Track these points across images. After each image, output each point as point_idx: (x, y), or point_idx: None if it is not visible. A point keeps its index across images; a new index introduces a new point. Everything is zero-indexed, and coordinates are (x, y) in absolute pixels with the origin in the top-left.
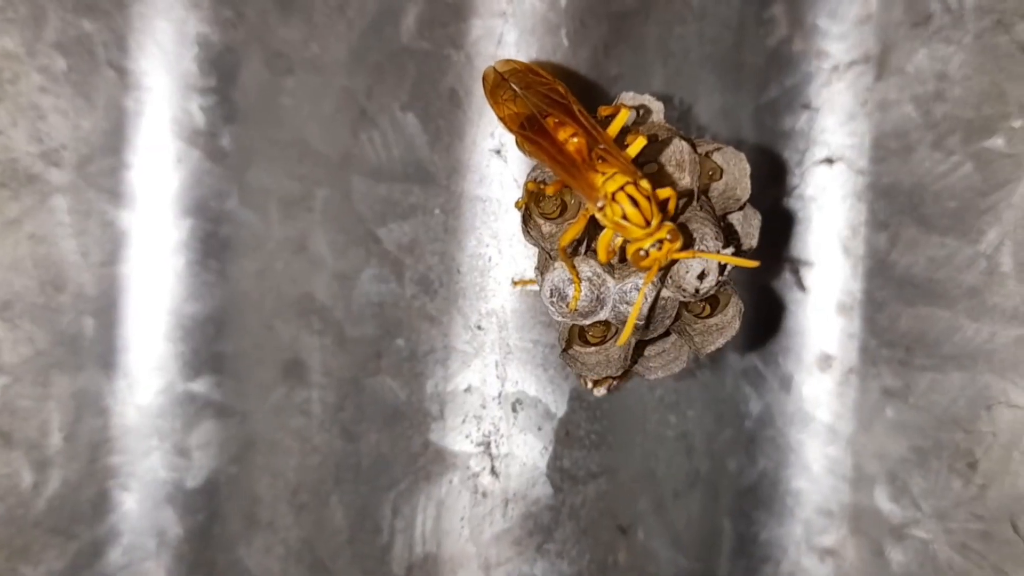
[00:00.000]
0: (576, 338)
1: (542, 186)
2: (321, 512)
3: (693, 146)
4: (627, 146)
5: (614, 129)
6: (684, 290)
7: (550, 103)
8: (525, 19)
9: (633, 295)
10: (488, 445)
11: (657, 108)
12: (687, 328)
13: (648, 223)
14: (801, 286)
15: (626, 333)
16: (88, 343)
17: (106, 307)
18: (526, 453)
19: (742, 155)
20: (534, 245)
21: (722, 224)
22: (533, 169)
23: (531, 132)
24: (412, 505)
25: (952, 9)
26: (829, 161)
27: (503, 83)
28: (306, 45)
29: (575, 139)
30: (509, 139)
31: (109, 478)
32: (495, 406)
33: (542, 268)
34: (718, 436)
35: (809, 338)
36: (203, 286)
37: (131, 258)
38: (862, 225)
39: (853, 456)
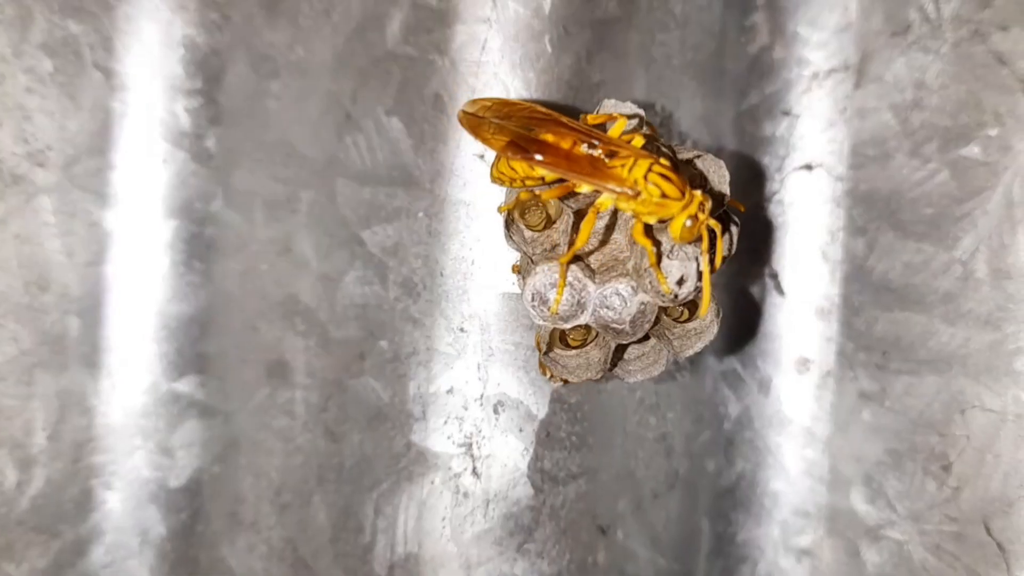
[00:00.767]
0: (557, 341)
1: (537, 193)
2: (304, 512)
3: (674, 153)
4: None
5: (614, 135)
6: (663, 295)
7: (537, 123)
8: (509, 25)
9: (613, 300)
10: (470, 446)
11: (637, 114)
12: (666, 332)
13: (684, 194)
14: (780, 290)
15: (705, 302)
16: (72, 343)
17: (91, 307)
18: (507, 454)
19: (722, 162)
20: (516, 249)
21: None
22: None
23: (535, 152)
24: (394, 505)
25: (930, 19)
26: (808, 167)
27: (481, 120)
28: (292, 48)
29: (579, 146)
30: None
31: (93, 477)
32: (477, 407)
33: (524, 272)
34: (697, 438)
35: (787, 342)
36: (188, 287)
37: (116, 258)
38: (840, 231)
39: (830, 458)
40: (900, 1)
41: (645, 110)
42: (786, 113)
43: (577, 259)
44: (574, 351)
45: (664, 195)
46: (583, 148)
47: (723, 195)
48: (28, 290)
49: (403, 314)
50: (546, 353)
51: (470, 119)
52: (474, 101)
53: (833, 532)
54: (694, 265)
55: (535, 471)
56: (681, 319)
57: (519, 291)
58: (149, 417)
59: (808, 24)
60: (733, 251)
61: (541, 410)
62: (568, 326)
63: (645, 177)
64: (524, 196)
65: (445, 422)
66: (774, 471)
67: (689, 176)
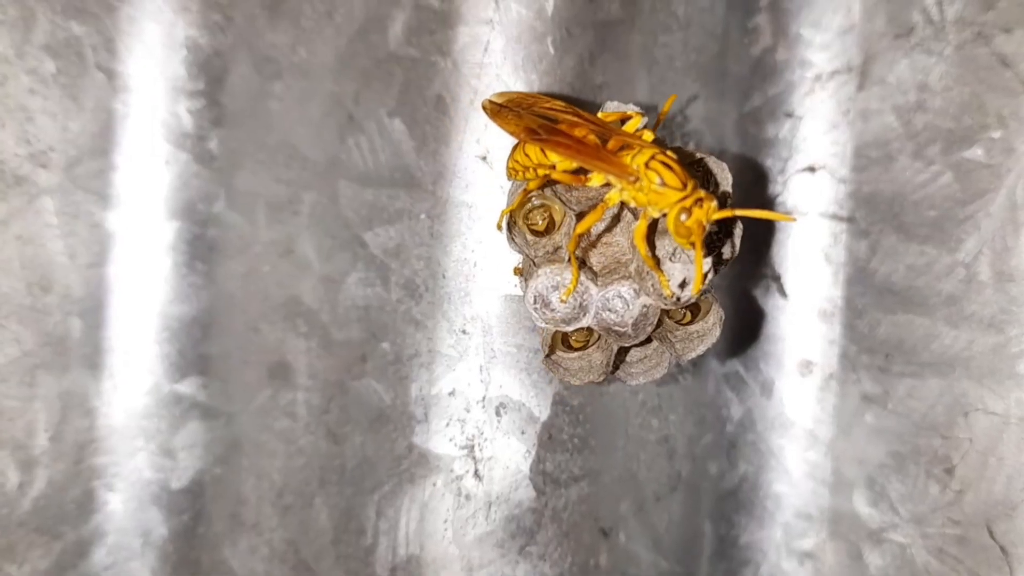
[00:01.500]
0: (559, 343)
1: (536, 195)
2: (306, 513)
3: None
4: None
5: (630, 128)
6: (665, 298)
7: (555, 114)
8: (511, 27)
9: (615, 302)
10: (472, 448)
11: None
12: (668, 335)
13: (685, 185)
14: (782, 292)
15: (697, 284)
16: (75, 344)
17: (93, 308)
18: (509, 456)
19: (724, 165)
20: (518, 252)
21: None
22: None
23: (545, 135)
24: (396, 507)
25: (933, 21)
26: (811, 169)
27: (503, 109)
28: (294, 50)
29: (591, 136)
30: (494, 146)
31: (95, 478)
32: (479, 410)
33: (526, 275)
34: (699, 440)
35: (790, 344)
36: (190, 288)
37: (118, 260)
38: (843, 233)
39: (832, 461)
40: (903, 3)
41: (647, 112)
42: (789, 115)
43: (580, 262)
44: (576, 353)
45: (663, 182)
46: (592, 138)
47: (727, 195)
48: (30, 291)
49: (405, 316)
50: (548, 355)
51: (493, 107)
52: (501, 93)
53: (836, 535)
54: (702, 269)
55: (537, 473)
56: (684, 322)
57: (521, 293)
58: (151, 418)
59: (811, 26)
60: (736, 253)
61: (543, 412)
62: (570, 328)
63: (647, 164)
64: (533, 186)
65: (447, 424)
66: (776, 474)
67: (698, 178)
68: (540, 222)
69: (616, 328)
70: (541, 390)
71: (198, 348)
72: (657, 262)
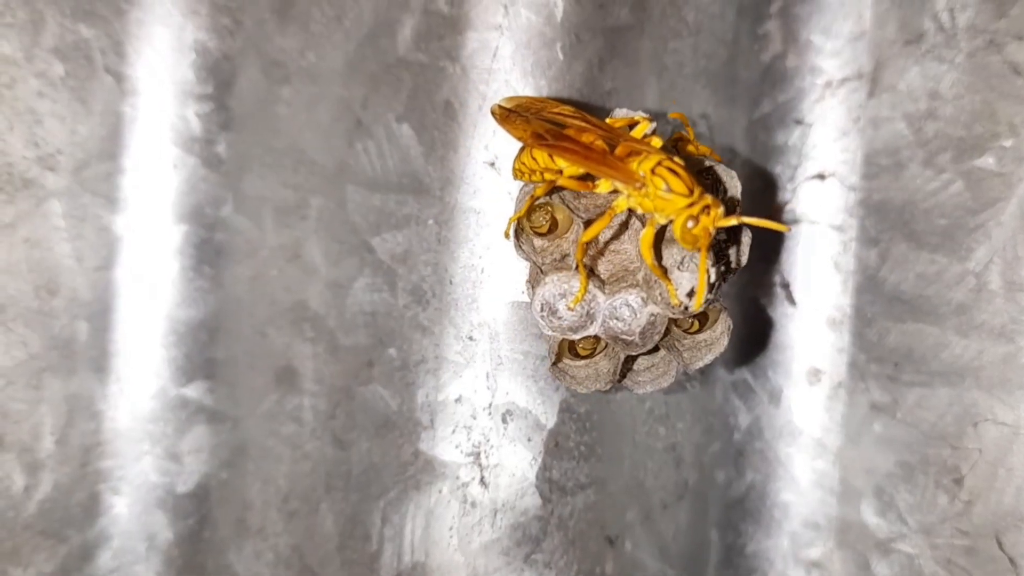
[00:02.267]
0: (566, 351)
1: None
2: (311, 519)
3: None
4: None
5: (636, 136)
6: (673, 307)
7: (564, 118)
8: (521, 33)
9: (623, 311)
10: (478, 455)
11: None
12: (676, 344)
13: (692, 191)
14: (791, 301)
15: (700, 294)
16: (81, 347)
17: (100, 312)
18: (515, 464)
19: (733, 173)
20: (525, 259)
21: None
22: (525, 185)
23: (552, 140)
24: (401, 514)
25: (945, 28)
26: (821, 177)
27: (512, 113)
28: (303, 54)
29: (598, 141)
30: (503, 151)
31: (100, 482)
32: (485, 416)
33: (533, 282)
34: (707, 448)
35: (798, 352)
36: (197, 292)
37: (125, 263)
38: (852, 241)
39: (840, 470)
40: (915, 10)
41: (656, 119)
42: (799, 122)
43: (587, 270)
44: (583, 361)
45: (669, 188)
46: (600, 144)
47: (735, 201)
48: (37, 294)
49: (412, 322)
50: (555, 363)
51: (501, 112)
52: (510, 98)
53: (843, 544)
54: (705, 278)
55: (543, 481)
56: (691, 330)
57: (528, 300)
58: (157, 422)
59: (822, 32)
60: (744, 262)
61: (550, 419)
62: (577, 336)
63: (653, 170)
64: (539, 192)
65: (453, 431)
66: (784, 482)
67: (707, 185)
68: (543, 223)
69: (623, 337)
70: (548, 397)
71: (205, 352)
72: (665, 271)
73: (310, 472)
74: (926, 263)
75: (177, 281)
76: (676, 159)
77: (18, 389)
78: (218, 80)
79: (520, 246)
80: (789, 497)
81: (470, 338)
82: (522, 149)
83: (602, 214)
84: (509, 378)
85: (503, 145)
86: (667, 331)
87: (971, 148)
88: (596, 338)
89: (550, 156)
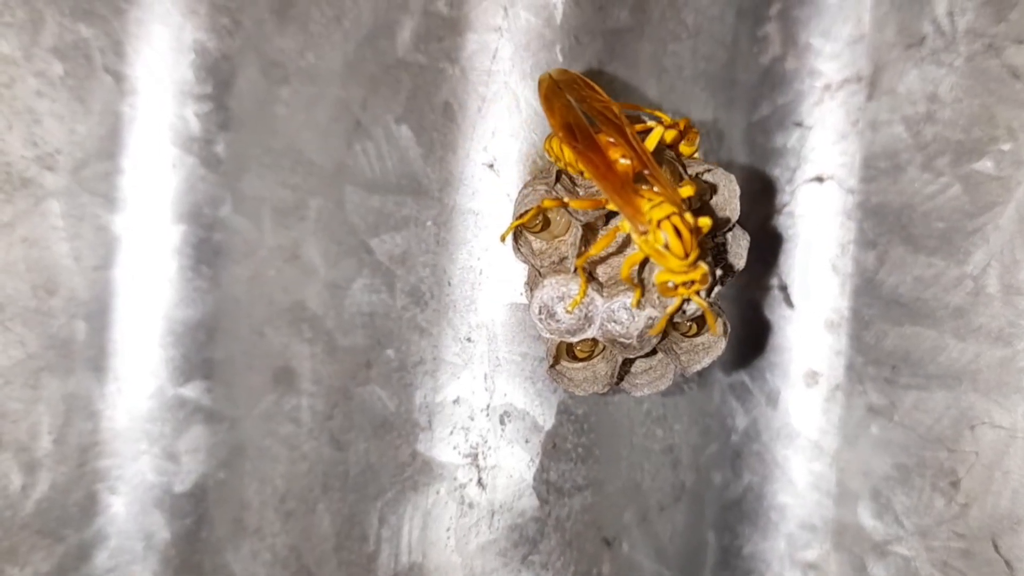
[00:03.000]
0: (564, 354)
1: (566, 201)
2: (308, 519)
3: (684, 168)
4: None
5: (650, 144)
6: (667, 307)
7: (604, 121)
8: (520, 35)
9: (621, 314)
10: (475, 456)
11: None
12: (673, 346)
13: (687, 255)
14: (789, 303)
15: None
16: (79, 347)
17: (98, 311)
18: (513, 465)
19: (732, 177)
20: (524, 262)
21: (712, 244)
22: (525, 186)
23: (581, 144)
24: (399, 514)
25: (944, 32)
26: (819, 179)
27: (559, 92)
28: (302, 55)
29: (625, 160)
30: (501, 153)
31: (98, 481)
32: (483, 418)
33: (531, 285)
34: (704, 450)
35: (796, 354)
36: (195, 292)
37: (124, 263)
38: (851, 243)
39: (837, 472)
40: (914, 13)
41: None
42: (798, 124)
43: (586, 274)
44: (581, 364)
45: (667, 246)
46: (624, 163)
47: (728, 220)
48: (35, 294)
49: (410, 323)
50: (552, 366)
51: (549, 84)
52: (564, 71)
53: (840, 546)
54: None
55: (541, 482)
56: (689, 334)
57: (526, 302)
58: (155, 422)
59: (821, 35)
60: (742, 265)
61: (548, 421)
62: (575, 339)
63: (659, 222)
64: (548, 204)
65: (451, 432)
66: (781, 484)
67: (700, 191)
68: (535, 223)
69: (621, 340)
70: (546, 399)
71: (203, 352)
72: (643, 284)
73: (307, 472)
74: (924, 266)
75: (175, 281)
76: (688, 216)
77: (16, 388)
78: (217, 80)
79: (519, 249)
80: (786, 499)
81: (468, 339)
82: (552, 135)
83: (600, 216)
84: (507, 379)
85: (502, 147)
86: (665, 334)
87: (969, 152)
88: (594, 341)
89: (574, 156)
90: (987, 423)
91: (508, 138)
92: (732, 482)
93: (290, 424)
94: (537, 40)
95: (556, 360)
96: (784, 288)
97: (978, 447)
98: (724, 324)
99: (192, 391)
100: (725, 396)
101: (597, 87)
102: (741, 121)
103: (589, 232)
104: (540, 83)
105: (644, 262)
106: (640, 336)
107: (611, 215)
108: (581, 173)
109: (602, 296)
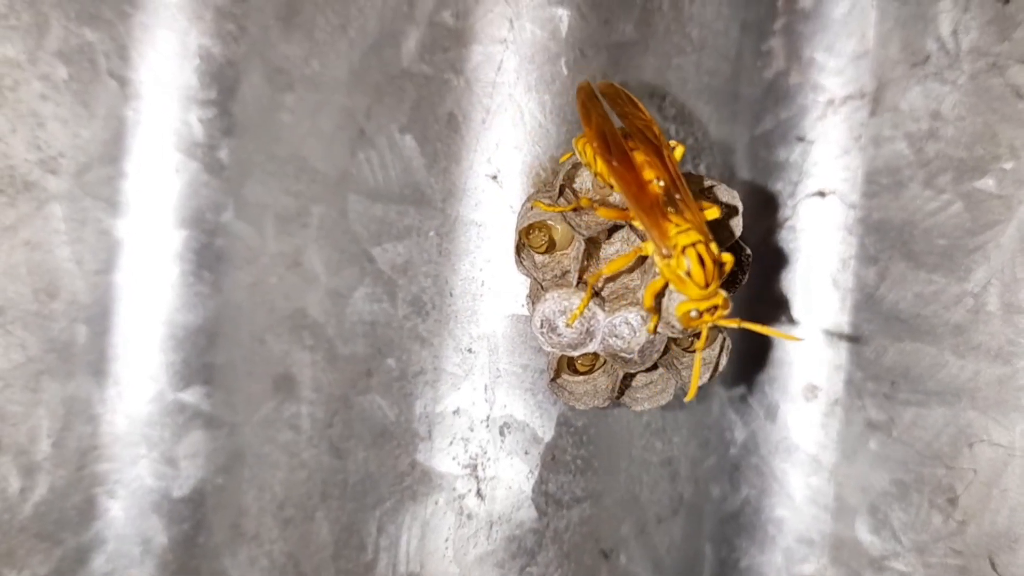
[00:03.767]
0: (565, 367)
1: (595, 205)
2: (306, 527)
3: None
4: (702, 209)
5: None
6: (673, 327)
7: (642, 139)
8: (525, 47)
9: (623, 329)
10: (475, 467)
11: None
12: (674, 362)
13: (708, 285)
14: (789, 317)
15: (693, 388)
16: (80, 350)
17: (99, 315)
18: (512, 476)
19: (735, 193)
20: (526, 275)
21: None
22: (528, 199)
23: (615, 160)
24: (397, 524)
25: (948, 50)
26: (821, 194)
27: (596, 102)
28: (307, 62)
29: (658, 182)
30: (505, 165)
31: (96, 485)
32: (483, 429)
33: (533, 298)
34: (702, 463)
35: (796, 369)
36: (196, 297)
37: (125, 267)
38: (852, 259)
39: (835, 487)
40: (918, 31)
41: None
42: (800, 139)
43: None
44: (581, 377)
45: (689, 273)
46: (657, 185)
47: (736, 210)
48: (37, 297)
49: (411, 333)
50: (553, 379)
51: (589, 92)
52: (611, 84)
53: (837, 561)
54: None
55: (539, 494)
56: (690, 349)
57: (528, 313)
58: (154, 426)
59: (825, 51)
60: (744, 281)
61: (547, 433)
62: (576, 353)
63: (684, 248)
64: (585, 203)
65: (451, 442)
66: (779, 498)
67: (726, 215)
68: (541, 243)
69: (623, 355)
70: (546, 411)
71: (203, 357)
72: (658, 304)
73: (306, 480)
74: (924, 283)
75: (177, 286)
76: (713, 247)
77: (16, 391)
78: (221, 86)
79: (521, 262)
80: (784, 513)
81: (469, 350)
82: (583, 136)
83: (603, 231)
84: (507, 391)
85: (506, 159)
86: (666, 349)
87: (972, 169)
88: (595, 355)
89: (605, 169)
90: (985, 441)
91: (512, 150)
92: (730, 495)
93: (289, 431)
94: (542, 53)
95: (557, 373)
96: (785, 302)
97: (976, 464)
98: (724, 339)
99: (192, 396)
100: (724, 409)
101: (642, 105)
102: (744, 135)
103: (591, 246)
104: (579, 90)
105: (663, 289)
106: (641, 351)
107: (613, 230)
108: (610, 186)
109: (604, 311)
